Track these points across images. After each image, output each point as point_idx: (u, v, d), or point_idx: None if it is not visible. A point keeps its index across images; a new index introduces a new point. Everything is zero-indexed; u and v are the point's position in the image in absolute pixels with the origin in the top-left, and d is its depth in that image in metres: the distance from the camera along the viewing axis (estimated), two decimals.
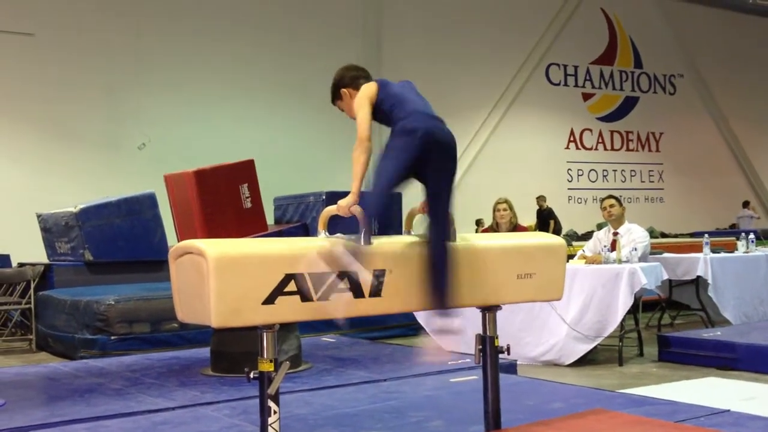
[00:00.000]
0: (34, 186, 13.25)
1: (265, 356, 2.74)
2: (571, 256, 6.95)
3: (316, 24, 16.24)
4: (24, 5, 13.65)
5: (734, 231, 16.39)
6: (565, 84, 20.03)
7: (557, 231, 15.67)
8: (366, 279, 2.86)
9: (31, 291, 8.52)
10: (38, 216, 10.38)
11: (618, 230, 7.00)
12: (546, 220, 16.41)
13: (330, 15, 16.48)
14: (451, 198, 3.21)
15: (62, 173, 13.71)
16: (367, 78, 3.43)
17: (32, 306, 8.45)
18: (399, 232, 3.33)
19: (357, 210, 3.01)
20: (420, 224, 3.22)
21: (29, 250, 11.26)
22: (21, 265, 9.76)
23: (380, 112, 3.25)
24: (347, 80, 3.42)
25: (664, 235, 15.10)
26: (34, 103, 13.61)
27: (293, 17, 15.96)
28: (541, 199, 16.94)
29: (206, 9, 15.23)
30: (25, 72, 13.56)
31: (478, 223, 15.31)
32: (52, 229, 9.89)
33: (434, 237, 3.13)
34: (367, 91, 3.27)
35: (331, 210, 3.10)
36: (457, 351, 4.52)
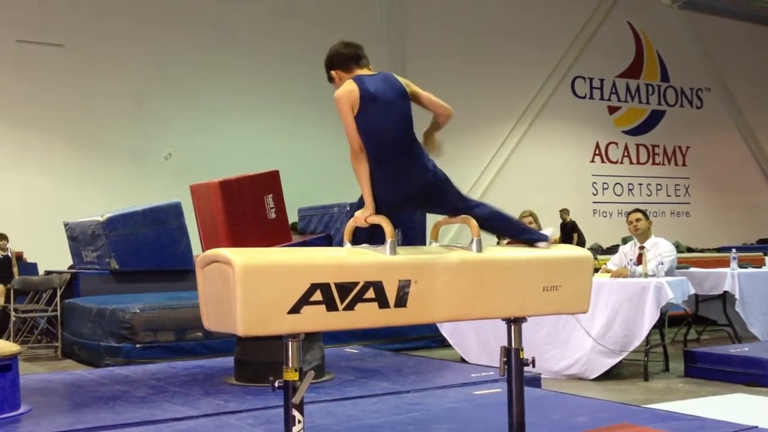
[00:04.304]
0: (61, 195, 13.39)
1: (291, 365, 2.74)
2: (595, 270, 6.91)
3: (340, 37, 16.19)
4: (54, 16, 13.83)
5: (762, 246, 16.21)
6: (591, 97, 19.95)
7: (581, 244, 15.56)
8: None
9: (58, 299, 8.60)
10: (65, 225, 10.49)
11: (644, 244, 6.95)
12: (569, 233, 16.31)
13: (354, 28, 16.52)
14: (457, 191, 3.30)
15: (89, 183, 13.85)
16: (358, 59, 3.31)
17: (58, 313, 8.52)
18: (424, 242, 3.34)
19: (382, 220, 3.01)
20: (445, 235, 3.22)
21: (56, 258, 11.38)
22: (48, 273, 9.87)
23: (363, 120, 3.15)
24: (338, 61, 3.34)
25: (690, 250, 14.96)
26: (63, 114, 13.77)
27: (318, 30, 16.02)
28: (564, 212, 16.86)
29: (231, 21, 15.34)
30: (54, 82, 13.72)
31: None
32: (78, 237, 9.99)
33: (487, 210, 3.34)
34: (347, 96, 3.14)
35: (356, 221, 3.12)
36: None
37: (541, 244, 3.40)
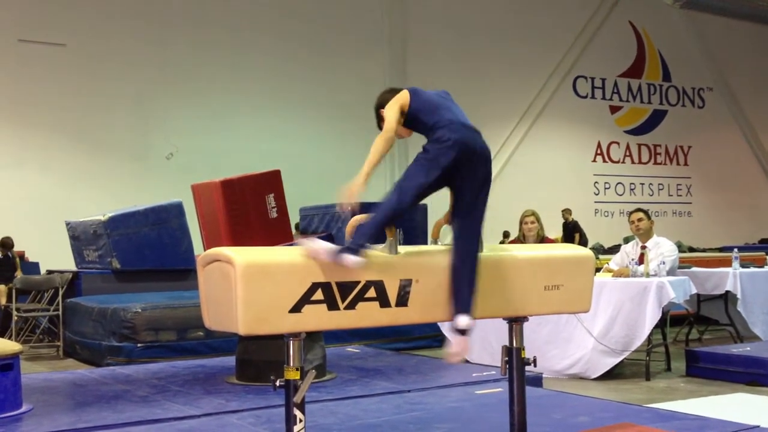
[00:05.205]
0: (63, 194, 13.40)
1: (292, 364, 2.74)
2: (597, 270, 6.90)
3: (343, 38, 16.31)
4: (57, 16, 13.84)
5: (764, 246, 16.20)
6: (593, 97, 19.94)
7: (583, 244, 15.55)
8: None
9: (59, 298, 8.60)
10: (67, 224, 10.49)
11: (646, 244, 6.94)
12: (571, 233, 16.31)
13: (356, 29, 16.55)
14: (484, 210, 3.19)
15: (91, 182, 13.86)
16: None
17: (60, 313, 8.53)
18: (425, 241, 3.33)
19: (362, 219, 2.99)
20: (446, 234, 3.22)
21: (58, 257, 11.39)
22: (50, 272, 9.87)
23: (414, 120, 3.23)
24: (384, 102, 3.38)
25: (692, 250, 14.94)
26: (64, 113, 13.78)
27: (320, 30, 16.04)
28: (566, 212, 16.85)
29: (234, 21, 15.35)
30: (56, 82, 13.74)
31: (506, 235, 15.25)
32: (80, 237, 10.00)
33: (467, 248, 3.10)
34: (399, 96, 3.28)
35: (358, 219, 3.11)
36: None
37: (458, 320, 3.07)
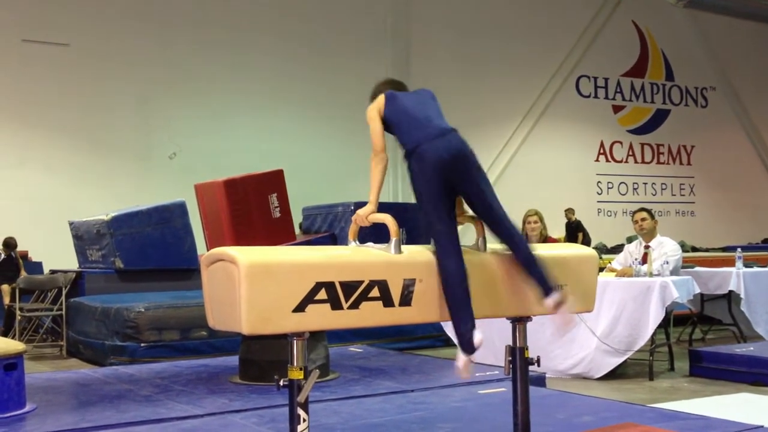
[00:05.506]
0: (66, 194, 13.41)
1: (295, 364, 2.74)
2: (600, 269, 6.89)
3: (345, 37, 16.31)
4: (60, 16, 13.85)
5: (767, 246, 16.17)
6: (596, 96, 19.92)
7: (586, 244, 15.51)
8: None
9: (63, 298, 8.61)
10: (70, 224, 10.50)
11: (649, 243, 6.93)
12: (574, 232, 16.29)
13: (359, 28, 16.54)
14: (499, 201, 3.23)
15: (94, 182, 13.86)
16: (397, 89, 3.44)
17: (63, 312, 8.54)
18: (429, 241, 3.33)
19: (387, 218, 3.01)
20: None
21: (61, 257, 11.39)
22: (53, 272, 9.88)
23: (389, 130, 3.28)
24: (378, 92, 3.44)
25: (695, 249, 14.93)
26: (67, 113, 13.78)
27: (323, 30, 16.03)
28: (569, 211, 16.83)
29: (236, 21, 15.35)
30: (59, 82, 13.74)
31: None
32: (83, 236, 10.00)
33: (513, 235, 3.20)
34: (376, 104, 3.32)
35: (360, 213, 3.12)
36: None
37: (548, 300, 3.17)
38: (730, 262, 7.92)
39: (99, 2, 14.21)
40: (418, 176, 3.11)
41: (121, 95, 14.23)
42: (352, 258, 2.90)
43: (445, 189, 3.12)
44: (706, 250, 14.95)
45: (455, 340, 3.21)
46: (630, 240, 10.18)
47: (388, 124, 3.28)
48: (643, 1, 20.08)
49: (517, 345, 3.34)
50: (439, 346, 8.25)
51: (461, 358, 3.14)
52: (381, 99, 3.32)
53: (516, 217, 8.13)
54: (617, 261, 7.21)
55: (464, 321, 3.06)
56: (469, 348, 3.10)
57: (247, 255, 2.65)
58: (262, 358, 5.21)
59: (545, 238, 7.10)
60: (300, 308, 2.68)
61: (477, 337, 3.08)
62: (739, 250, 8.07)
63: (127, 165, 14.20)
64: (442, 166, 3.09)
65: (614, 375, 6.31)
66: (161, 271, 9.40)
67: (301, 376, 2.73)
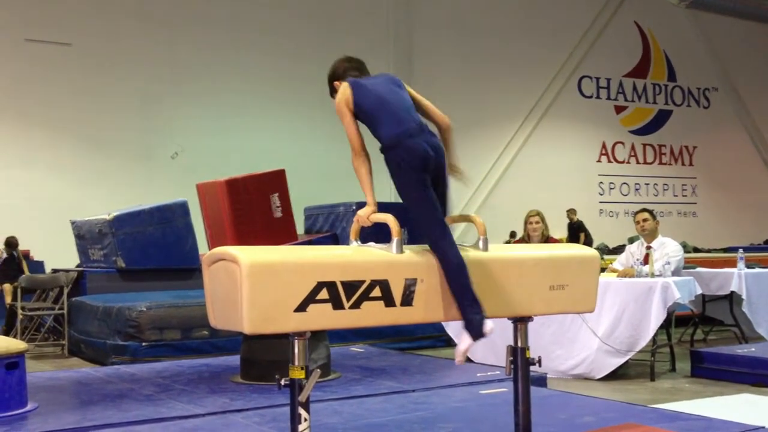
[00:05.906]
0: (68, 193, 13.43)
1: (297, 363, 2.74)
2: (602, 270, 6.88)
3: (347, 37, 16.29)
4: (63, 16, 13.87)
5: None
6: (598, 97, 19.92)
7: (588, 244, 15.50)
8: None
9: (64, 297, 8.62)
10: (72, 223, 10.51)
11: (651, 244, 6.93)
12: (576, 233, 16.29)
13: (362, 29, 16.54)
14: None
15: (96, 181, 13.88)
16: (359, 70, 3.36)
17: (65, 312, 8.54)
18: (421, 235, 3.32)
19: (388, 218, 3.01)
20: (454, 233, 3.22)
21: (63, 256, 11.41)
22: (55, 271, 9.89)
23: (360, 115, 3.18)
24: (339, 72, 3.36)
25: (697, 250, 14.91)
26: (70, 113, 13.80)
27: (325, 31, 16.04)
28: (571, 212, 16.84)
29: (239, 21, 15.36)
30: (62, 81, 13.77)
31: (512, 235, 15.24)
32: (85, 236, 10.01)
33: (449, 247, 3.06)
34: (342, 96, 3.19)
35: (361, 214, 3.12)
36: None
37: (463, 340, 3.11)
38: (732, 263, 7.91)
39: (102, 2, 14.24)
40: (406, 170, 3.06)
41: (124, 95, 14.26)
42: (353, 258, 2.90)
43: (430, 176, 3.12)
44: (708, 251, 14.94)
45: (456, 340, 3.20)
46: (632, 240, 10.16)
47: (360, 116, 3.17)
48: (645, 1, 20.08)
49: (519, 345, 3.33)
50: (440, 347, 8.25)
51: (466, 341, 3.11)
52: (346, 90, 3.18)
53: (518, 217, 8.18)
54: (619, 261, 7.20)
55: (473, 306, 3.03)
56: (478, 333, 3.07)
57: (248, 254, 2.65)
58: (263, 358, 5.21)
59: (547, 239, 7.10)
60: (301, 308, 2.68)
61: (488, 325, 3.07)
62: (741, 250, 8.06)
63: (129, 165, 14.22)
64: (428, 161, 3.09)
65: (616, 375, 6.31)
66: (163, 270, 9.40)
67: (303, 376, 2.73)
